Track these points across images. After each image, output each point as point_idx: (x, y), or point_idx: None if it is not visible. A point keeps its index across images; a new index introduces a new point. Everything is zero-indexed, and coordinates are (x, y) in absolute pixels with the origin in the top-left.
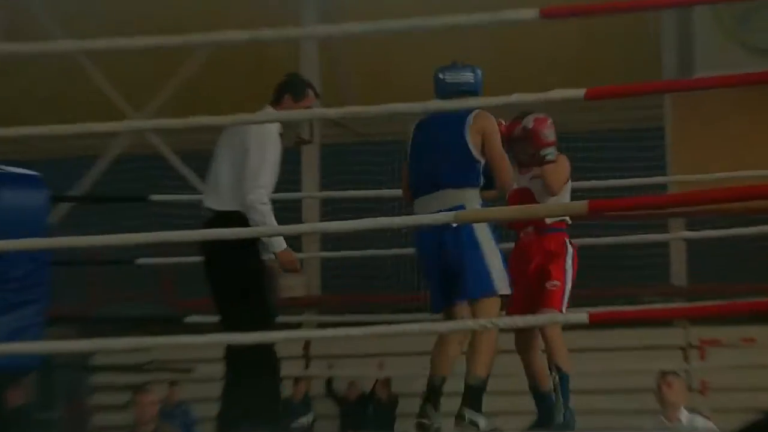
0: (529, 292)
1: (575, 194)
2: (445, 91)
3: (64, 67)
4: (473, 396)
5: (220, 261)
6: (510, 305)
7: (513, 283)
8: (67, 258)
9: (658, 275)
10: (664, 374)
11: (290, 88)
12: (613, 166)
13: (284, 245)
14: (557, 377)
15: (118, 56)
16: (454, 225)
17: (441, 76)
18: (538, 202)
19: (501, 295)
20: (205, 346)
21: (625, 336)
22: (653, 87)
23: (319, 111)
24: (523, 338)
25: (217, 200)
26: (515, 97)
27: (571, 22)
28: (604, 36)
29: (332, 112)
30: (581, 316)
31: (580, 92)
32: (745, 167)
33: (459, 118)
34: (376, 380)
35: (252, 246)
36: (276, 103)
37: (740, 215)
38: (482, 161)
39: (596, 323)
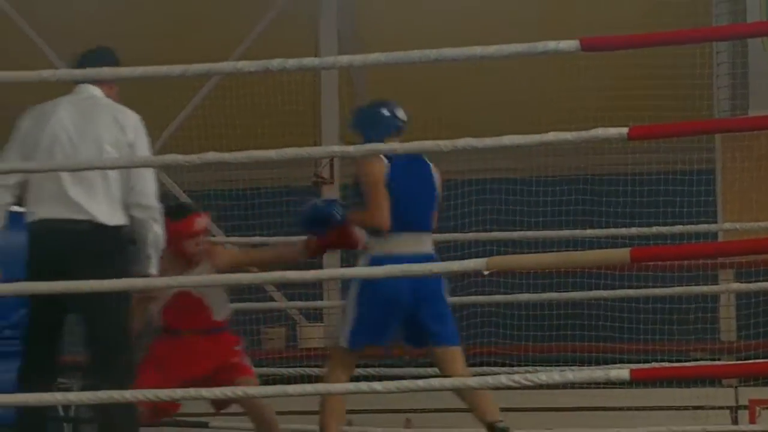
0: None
1: (616, 241)
2: (390, 128)
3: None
4: None
5: None
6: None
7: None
8: None
9: (706, 330)
10: None
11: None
12: (658, 212)
13: None
14: None
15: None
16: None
17: (387, 112)
18: (206, 304)
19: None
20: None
21: (670, 395)
22: (702, 126)
23: (339, 148)
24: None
25: None
26: (551, 136)
27: (615, 56)
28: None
29: (353, 149)
30: (623, 372)
31: (622, 131)
32: None
33: (425, 162)
34: None
35: None
36: (102, 82)
37: None
38: None
39: (639, 380)
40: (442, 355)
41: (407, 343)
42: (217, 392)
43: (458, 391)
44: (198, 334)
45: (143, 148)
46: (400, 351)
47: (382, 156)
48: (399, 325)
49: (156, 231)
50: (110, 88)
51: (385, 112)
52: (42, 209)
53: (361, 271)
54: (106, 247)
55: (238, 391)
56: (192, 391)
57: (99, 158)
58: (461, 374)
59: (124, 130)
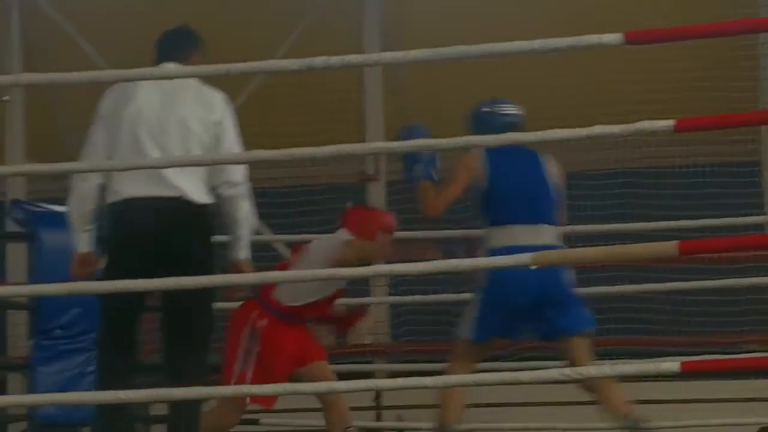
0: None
1: (663, 234)
2: (496, 125)
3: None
4: None
5: None
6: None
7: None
8: None
9: (757, 322)
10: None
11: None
12: (705, 204)
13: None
14: None
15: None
16: None
17: (489, 109)
18: None
19: None
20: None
21: (721, 387)
22: (747, 118)
23: (383, 145)
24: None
25: None
26: (598, 129)
27: (659, 50)
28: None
29: (397, 146)
30: (673, 365)
31: (669, 123)
32: None
33: (533, 153)
34: None
35: None
36: (185, 61)
37: None
38: None
39: (689, 373)
40: (567, 346)
41: (537, 336)
42: (268, 389)
43: (588, 386)
44: (311, 323)
45: (230, 128)
46: (519, 344)
47: (480, 150)
48: (524, 317)
49: (245, 209)
50: None
51: (492, 110)
52: (129, 188)
53: (411, 267)
54: (200, 226)
55: (288, 387)
56: (231, 388)
57: (184, 137)
58: (584, 363)
59: (210, 108)
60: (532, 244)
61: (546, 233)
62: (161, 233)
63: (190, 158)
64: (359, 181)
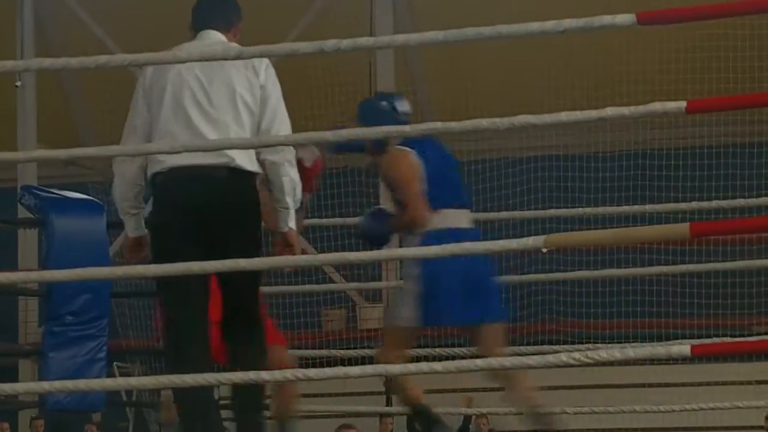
0: None
1: (676, 216)
2: (391, 121)
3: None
4: None
5: None
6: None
7: None
8: (131, 289)
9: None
10: None
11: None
12: (719, 185)
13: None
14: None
15: None
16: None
17: (386, 105)
18: None
19: None
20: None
21: (732, 370)
22: (761, 98)
23: (396, 128)
24: None
25: None
26: (609, 111)
27: (673, 30)
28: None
29: (409, 129)
30: (684, 348)
31: (681, 104)
32: None
33: (440, 143)
34: (471, 416)
35: None
36: (227, 29)
37: None
38: None
39: (700, 356)
40: (485, 331)
41: (459, 323)
42: (278, 375)
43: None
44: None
45: (275, 91)
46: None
47: (407, 148)
48: (461, 301)
49: (291, 176)
50: (234, 36)
51: (386, 105)
52: (174, 156)
53: (420, 250)
54: (249, 195)
55: (298, 374)
56: (248, 375)
57: (232, 102)
58: (497, 353)
59: (256, 72)
60: (467, 227)
61: (470, 217)
62: (211, 204)
63: (202, 143)
64: (371, 164)
